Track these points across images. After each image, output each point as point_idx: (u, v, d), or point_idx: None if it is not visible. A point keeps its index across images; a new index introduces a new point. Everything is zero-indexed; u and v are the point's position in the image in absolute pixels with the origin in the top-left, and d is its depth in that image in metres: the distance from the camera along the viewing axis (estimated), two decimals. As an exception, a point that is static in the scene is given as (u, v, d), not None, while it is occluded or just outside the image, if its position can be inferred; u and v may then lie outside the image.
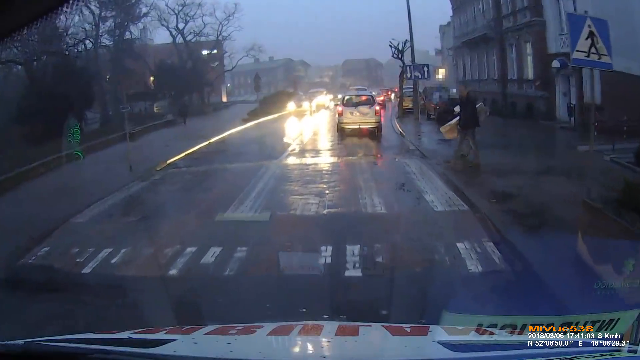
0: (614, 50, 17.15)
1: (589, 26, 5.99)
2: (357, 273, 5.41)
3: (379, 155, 14.62)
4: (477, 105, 12.08)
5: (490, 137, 16.76)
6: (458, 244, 5.93)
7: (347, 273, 5.42)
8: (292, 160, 14.15)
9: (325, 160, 13.94)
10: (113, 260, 6.56)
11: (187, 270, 5.71)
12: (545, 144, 15.59)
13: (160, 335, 2.20)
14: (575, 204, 6.45)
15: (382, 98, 32.29)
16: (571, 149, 13.37)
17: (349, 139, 17.63)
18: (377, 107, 18.58)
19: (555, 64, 20.35)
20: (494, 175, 9.89)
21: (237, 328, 2.28)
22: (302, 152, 15.61)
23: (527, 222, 6.43)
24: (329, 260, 5.74)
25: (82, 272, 6.34)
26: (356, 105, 18.24)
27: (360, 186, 9.88)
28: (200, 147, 17.85)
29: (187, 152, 16.36)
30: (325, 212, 8.03)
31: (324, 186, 10.08)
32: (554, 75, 21.08)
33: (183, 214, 8.53)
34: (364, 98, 18.98)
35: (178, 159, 15.21)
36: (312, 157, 14.55)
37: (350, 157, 13.98)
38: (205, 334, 2.22)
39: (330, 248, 6.00)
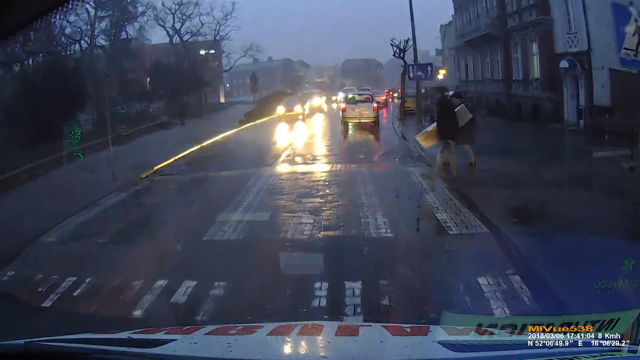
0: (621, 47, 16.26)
1: (636, 20, 5.08)
2: (359, 321, 4.43)
3: (381, 164, 13.50)
4: (456, 109, 10.87)
5: (497, 141, 15.91)
6: (479, 279, 4.92)
7: (346, 321, 4.48)
8: (285, 169, 13.15)
9: (322, 169, 12.89)
10: (75, 293, 5.76)
11: (152, 313, 4.77)
12: (556, 149, 14.71)
13: (160, 335, 2.19)
14: (611, 226, 5.57)
15: (384, 97, 35.47)
16: (585, 155, 12.51)
17: (347, 145, 16.85)
18: (375, 105, 21.58)
19: (564, 64, 19.57)
20: (509, 187, 8.92)
21: (237, 328, 2.27)
22: (295, 160, 14.59)
23: (555, 247, 5.43)
24: (323, 302, 4.75)
25: (42, 305, 5.63)
26: (357, 102, 21.29)
27: (362, 201, 8.83)
28: (191, 152, 16.99)
29: (176, 157, 15.47)
30: (320, 235, 6.98)
31: (321, 201, 9.07)
32: (562, 75, 20.24)
33: (157, 235, 7.60)
34: (364, 97, 22.05)
35: (166, 164, 14.33)
36: (307, 165, 13.54)
37: (350, 165, 12.98)
38: (205, 334, 2.22)
39: (325, 285, 5.02)
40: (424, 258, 5.78)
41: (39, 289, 5.98)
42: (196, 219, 8.31)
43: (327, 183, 10.81)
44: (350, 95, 23.35)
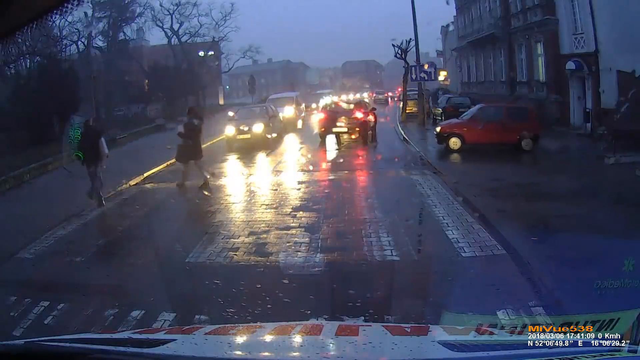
0: (629, 48, 15.81)
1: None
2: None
3: (383, 172, 12.44)
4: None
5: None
6: (499, 313, 4.23)
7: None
8: (284, 177, 12.44)
9: (322, 177, 12.16)
10: (47, 321, 5.25)
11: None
12: (565, 154, 14.14)
13: (160, 335, 2.23)
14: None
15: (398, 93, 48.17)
16: (596, 161, 11.97)
17: (347, 150, 16.32)
18: (386, 95, 46.38)
19: (570, 65, 19.03)
20: (522, 198, 8.31)
21: (237, 328, 2.34)
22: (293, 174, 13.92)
23: (582, 272, 4.75)
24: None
25: (13, 333, 5.05)
26: (379, 93, 46.23)
27: (364, 216, 8.03)
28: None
29: (169, 162, 14.85)
30: (317, 258, 6.20)
31: (317, 216, 8.24)
32: (568, 77, 19.69)
33: (136, 254, 6.97)
34: (382, 92, 47.12)
35: (157, 171, 13.70)
36: (306, 177, 12.60)
37: (350, 173, 12.33)
38: (205, 334, 2.22)
39: (322, 322, 4.40)
40: (434, 287, 4.90)
41: (12, 314, 5.50)
42: (180, 234, 7.56)
43: (326, 194, 10.09)
44: (375, 91, 49.35)
